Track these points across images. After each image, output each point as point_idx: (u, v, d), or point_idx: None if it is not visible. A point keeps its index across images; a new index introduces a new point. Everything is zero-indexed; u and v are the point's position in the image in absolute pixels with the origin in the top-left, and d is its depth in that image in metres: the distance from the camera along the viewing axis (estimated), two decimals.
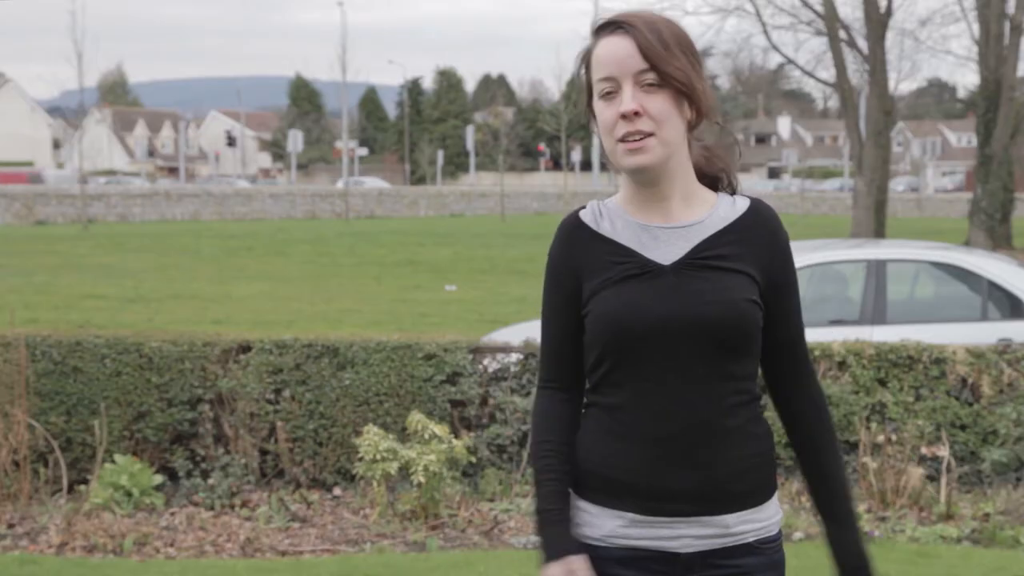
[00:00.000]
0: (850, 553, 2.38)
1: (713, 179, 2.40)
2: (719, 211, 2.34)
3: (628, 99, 2.22)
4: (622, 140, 2.25)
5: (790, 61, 32.08)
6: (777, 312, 2.35)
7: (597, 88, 2.27)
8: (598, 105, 2.28)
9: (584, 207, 2.39)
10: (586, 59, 2.31)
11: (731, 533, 2.29)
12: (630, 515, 2.28)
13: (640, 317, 2.25)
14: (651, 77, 2.22)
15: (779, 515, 2.37)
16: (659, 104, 2.23)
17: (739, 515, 2.29)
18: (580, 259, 2.33)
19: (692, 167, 2.34)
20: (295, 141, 63.12)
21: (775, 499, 2.37)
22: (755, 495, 2.31)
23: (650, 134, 2.23)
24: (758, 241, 2.33)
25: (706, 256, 2.29)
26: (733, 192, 2.40)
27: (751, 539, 2.31)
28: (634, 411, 2.28)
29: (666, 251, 2.29)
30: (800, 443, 2.42)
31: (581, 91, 2.36)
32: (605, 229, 2.33)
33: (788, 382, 2.41)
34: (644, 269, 2.28)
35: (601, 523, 2.31)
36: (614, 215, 2.35)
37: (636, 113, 2.22)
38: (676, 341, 2.25)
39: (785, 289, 2.36)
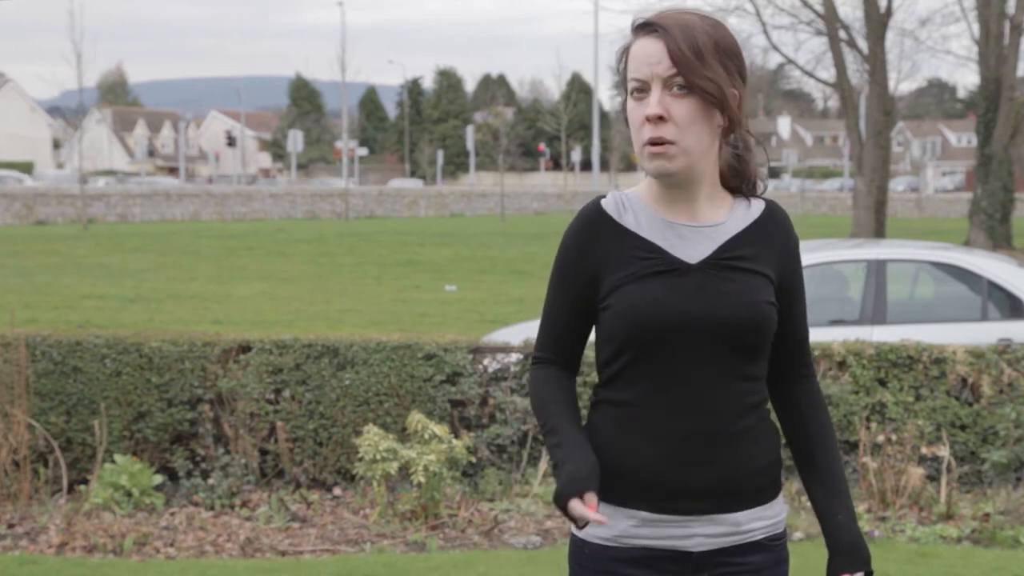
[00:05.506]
0: (849, 535, 2.36)
1: (737, 184, 2.39)
2: (737, 212, 2.36)
3: (654, 103, 2.22)
4: (647, 143, 2.25)
5: (790, 61, 32.03)
6: (786, 314, 2.37)
7: (629, 86, 2.28)
8: (629, 103, 2.28)
9: (605, 196, 2.37)
10: (625, 56, 2.30)
11: (742, 531, 2.31)
12: (643, 514, 2.28)
13: (665, 315, 2.25)
14: (680, 82, 2.22)
15: (785, 512, 2.40)
16: (685, 111, 2.22)
17: (749, 512, 2.31)
18: (601, 250, 2.31)
19: (718, 170, 2.34)
20: (295, 141, 63.08)
21: (781, 497, 2.39)
22: (765, 493, 2.34)
23: (672, 142, 2.23)
24: (774, 243, 2.35)
25: (729, 257, 2.30)
26: (754, 194, 2.41)
27: (760, 536, 2.33)
28: (651, 409, 2.28)
29: (691, 250, 2.30)
30: (799, 441, 2.43)
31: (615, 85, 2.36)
32: (629, 222, 2.32)
33: (790, 382, 2.43)
34: (670, 267, 2.28)
35: (613, 523, 2.30)
36: (637, 209, 2.34)
37: (660, 118, 2.22)
38: (698, 340, 2.25)
39: (795, 291, 2.39)
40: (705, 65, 2.21)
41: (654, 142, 2.23)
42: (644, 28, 2.27)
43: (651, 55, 2.23)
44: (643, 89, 2.25)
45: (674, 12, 2.27)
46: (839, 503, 2.38)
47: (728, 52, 2.26)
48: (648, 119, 2.22)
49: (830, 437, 2.42)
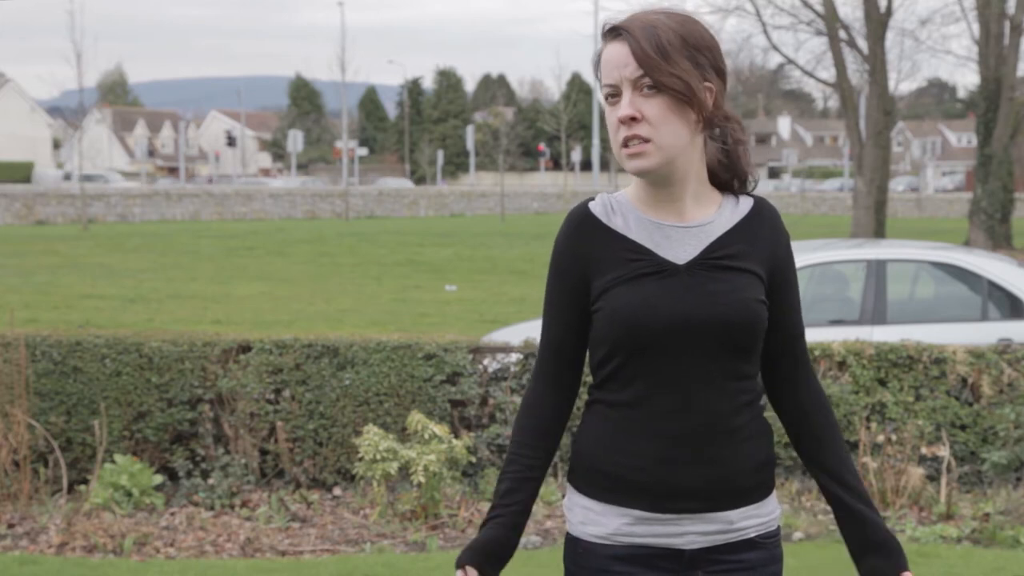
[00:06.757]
0: (877, 530, 2.36)
1: (727, 180, 2.39)
2: (726, 210, 2.36)
3: (625, 105, 2.25)
4: (624, 145, 2.27)
5: (790, 61, 32.02)
6: (779, 310, 2.37)
7: (603, 92, 2.31)
8: (606, 108, 2.31)
9: (593, 199, 2.38)
10: (597, 63, 2.33)
11: (734, 528, 2.32)
12: (636, 512, 2.29)
13: (655, 316, 2.25)
14: (648, 83, 2.24)
15: (778, 511, 2.41)
16: (656, 109, 2.24)
17: (742, 511, 2.32)
18: (590, 253, 2.33)
19: (705, 167, 2.35)
20: (295, 141, 63.18)
21: (774, 495, 2.40)
22: (758, 491, 2.35)
23: (647, 140, 2.25)
24: (763, 240, 2.36)
25: (718, 256, 2.30)
26: (744, 190, 2.41)
27: (753, 534, 2.34)
28: (644, 409, 2.29)
29: (679, 250, 2.30)
30: (805, 439, 2.42)
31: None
32: (617, 224, 2.33)
33: (790, 379, 2.42)
34: (659, 268, 2.29)
35: (606, 521, 2.31)
36: (626, 210, 2.35)
37: (633, 118, 2.24)
38: (689, 341, 2.26)
39: (787, 287, 2.39)
40: (670, 63, 2.23)
41: (631, 143, 2.26)
42: (611, 33, 2.30)
43: (617, 59, 2.26)
44: (615, 93, 2.27)
45: (641, 13, 2.30)
46: (861, 500, 2.37)
47: (698, 46, 2.26)
48: (621, 121, 2.25)
49: (837, 434, 2.41)
